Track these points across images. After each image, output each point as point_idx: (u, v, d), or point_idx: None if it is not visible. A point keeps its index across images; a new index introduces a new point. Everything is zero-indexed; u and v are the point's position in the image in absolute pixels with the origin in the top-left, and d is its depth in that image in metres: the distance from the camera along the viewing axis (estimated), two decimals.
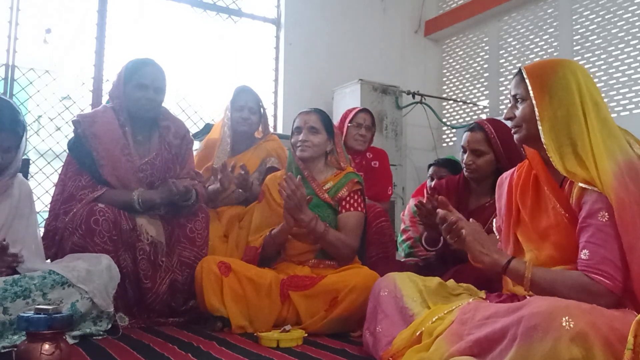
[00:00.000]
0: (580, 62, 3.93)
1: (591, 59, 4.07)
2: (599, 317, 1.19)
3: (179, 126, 2.49)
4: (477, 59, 5.01)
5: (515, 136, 1.54)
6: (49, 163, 3.86)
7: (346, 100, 4.38)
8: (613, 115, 2.27)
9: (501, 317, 1.27)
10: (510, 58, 4.71)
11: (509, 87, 1.93)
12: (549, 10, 4.40)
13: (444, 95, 5.29)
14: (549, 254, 1.47)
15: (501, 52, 4.78)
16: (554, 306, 1.18)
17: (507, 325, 1.23)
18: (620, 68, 3.89)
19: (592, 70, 4.00)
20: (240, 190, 2.57)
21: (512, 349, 1.19)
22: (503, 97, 4.74)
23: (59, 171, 2.48)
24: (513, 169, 1.67)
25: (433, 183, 2.78)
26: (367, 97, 4.33)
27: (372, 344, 1.59)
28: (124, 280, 2.12)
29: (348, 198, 2.31)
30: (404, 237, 2.88)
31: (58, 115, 3.92)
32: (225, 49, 4.69)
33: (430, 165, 3.05)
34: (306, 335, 1.90)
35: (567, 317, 1.15)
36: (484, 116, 4.88)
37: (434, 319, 1.46)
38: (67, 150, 2.33)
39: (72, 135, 2.33)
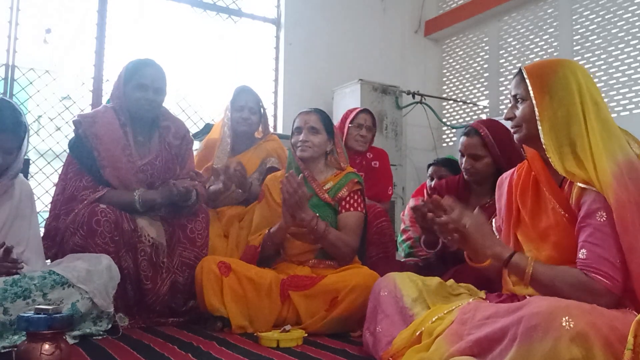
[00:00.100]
0: (580, 62, 3.93)
1: (591, 59, 4.07)
2: (599, 317, 1.19)
3: (179, 126, 2.49)
4: (477, 59, 5.01)
5: (515, 136, 1.54)
6: (49, 163, 3.86)
7: (346, 100, 4.38)
8: (613, 115, 2.27)
9: (501, 317, 1.27)
10: (510, 58, 4.71)
11: (509, 87, 1.93)
12: (549, 10, 4.40)
13: (444, 95, 5.29)
14: (549, 254, 1.47)
15: (501, 52, 4.78)
16: (554, 306, 1.18)
17: (507, 325, 1.23)
18: (620, 68, 3.89)
19: (592, 70, 4.01)
20: (240, 190, 2.57)
21: (512, 349, 1.19)
22: (503, 97, 4.74)
23: (59, 171, 2.48)
24: (513, 169, 1.67)
25: (433, 183, 2.79)
26: (367, 97, 4.33)
27: (372, 344, 1.59)
28: (125, 281, 2.12)
29: (348, 198, 2.31)
30: (404, 237, 2.88)
31: (58, 115, 3.93)
32: (225, 49, 4.69)
33: (429, 165, 3.04)
34: (306, 335, 1.90)
35: (567, 317, 1.14)
36: (484, 116, 4.88)
37: (434, 319, 1.46)
38: (68, 151, 2.33)
39: (72, 135, 2.33)
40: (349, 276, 2.07)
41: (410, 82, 4.97)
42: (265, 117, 2.88)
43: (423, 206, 1.62)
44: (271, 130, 3.27)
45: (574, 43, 4.18)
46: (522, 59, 4.58)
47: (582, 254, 1.36)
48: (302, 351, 1.74)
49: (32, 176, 3.63)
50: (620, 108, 3.89)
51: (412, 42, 5.28)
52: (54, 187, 2.38)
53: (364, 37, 5.00)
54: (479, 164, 2.20)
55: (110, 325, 1.94)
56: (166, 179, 2.33)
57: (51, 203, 2.30)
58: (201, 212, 2.37)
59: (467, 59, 5.12)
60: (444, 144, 5.21)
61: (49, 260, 2.15)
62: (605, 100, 1.93)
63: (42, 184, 3.75)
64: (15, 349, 1.49)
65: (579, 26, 4.17)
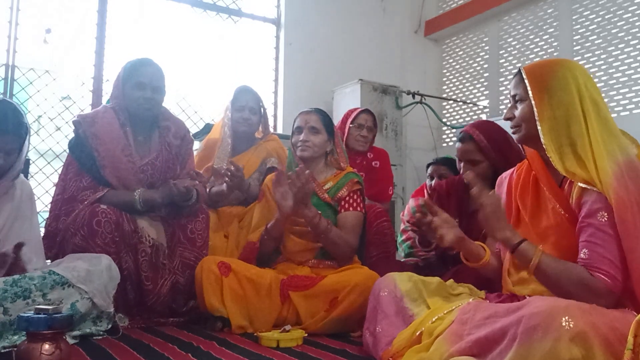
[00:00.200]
0: (580, 62, 3.93)
1: (591, 59, 4.06)
2: (599, 317, 1.19)
3: (179, 126, 2.49)
4: (477, 59, 5.01)
5: (514, 136, 1.54)
6: (49, 163, 3.86)
7: (346, 101, 4.37)
8: (613, 115, 2.27)
9: (501, 317, 1.27)
10: (510, 58, 4.71)
11: (509, 87, 1.93)
12: (549, 10, 4.39)
13: (444, 95, 5.29)
14: (549, 254, 1.47)
15: (501, 52, 4.78)
16: (554, 306, 1.18)
17: (507, 325, 1.23)
18: (620, 68, 3.88)
19: (592, 70, 4.00)
20: (238, 190, 2.57)
21: (512, 349, 1.19)
22: (503, 97, 4.74)
23: (59, 171, 2.48)
24: (513, 169, 1.67)
25: (433, 182, 2.78)
26: (367, 97, 4.33)
27: (372, 344, 1.59)
28: (125, 282, 2.12)
29: (347, 198, 2.31)
30: (404, 237, 2.88)
31: (58, 115, 3.92)
32: (225, 49, 4.69)
33: (429, 165, 3.04)
34: (306, 335, 1.90)
35: (567, 317, 1.15)
36: (484, 116, 4.87)
37: (434, 319, 1.46)
38: (68, 151, 2.33)
39: (72, 135, 2.33)
40: (349, 276, 2.07)
41: (410, 82, 4.96)
42: (265, 117, 2.87)
43: (422, 215, 1.64)
44: (271, 130, 3.26)
45: (574, 43, 4.18)
46: (522, 59, 4.57)
47: (583, 253, 1.36)
48: (302, 351, 1.74)
49: (32, 176, 3.63)
50: (620, 108, 3.89)
51: (412, 42, 5.28)
52: (54, 187, 2.37)
53: (364, 37, 4.99)
54: (477, 169, 2.17)
55: (110, 326, 1.94)
56: (166, 179, 2.33)
57: (51, 203, 2.29)
58: (201, 212, 2.37)
59: (467, 59, 5.12)
60: (444, 144, 5.21)
61: (49, 261, 2.15)
62: (605, 100, 1.93)
63: (42, 184, 3.75)
64: (15, 349, 1.49)
65: (579, 26, 4.17)
